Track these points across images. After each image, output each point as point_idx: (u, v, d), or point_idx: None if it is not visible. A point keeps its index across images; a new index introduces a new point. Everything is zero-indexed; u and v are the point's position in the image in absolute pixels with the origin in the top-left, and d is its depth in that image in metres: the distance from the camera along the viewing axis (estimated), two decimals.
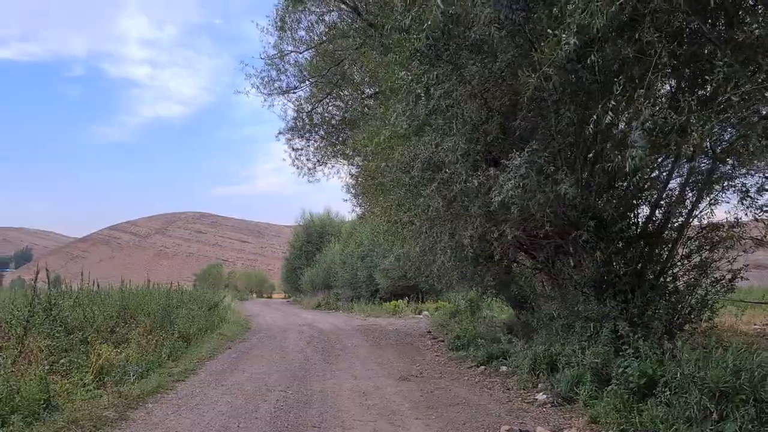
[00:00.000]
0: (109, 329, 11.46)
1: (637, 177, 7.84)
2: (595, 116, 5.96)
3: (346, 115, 18.06)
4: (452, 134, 7.39)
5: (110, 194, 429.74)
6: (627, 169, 5.63)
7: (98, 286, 14.61)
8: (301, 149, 19.45)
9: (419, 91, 7.37)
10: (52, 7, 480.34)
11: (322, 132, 19.24)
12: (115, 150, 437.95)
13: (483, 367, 9.98)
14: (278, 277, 68.81)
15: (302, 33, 16.18)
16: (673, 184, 8.68)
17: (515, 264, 13.32)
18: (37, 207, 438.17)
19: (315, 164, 19.77)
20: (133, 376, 8.95)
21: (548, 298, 10.48)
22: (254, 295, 69.60)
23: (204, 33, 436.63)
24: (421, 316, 24.76)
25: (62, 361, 8.81)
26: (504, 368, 9.52)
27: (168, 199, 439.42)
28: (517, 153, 6.62)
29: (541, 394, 7.54)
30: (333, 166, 19.93)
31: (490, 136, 7.65)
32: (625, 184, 8.60)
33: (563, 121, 7.52)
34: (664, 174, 8.80)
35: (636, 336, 7.59)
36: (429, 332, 17.37)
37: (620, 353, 7.41)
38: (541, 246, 11.44)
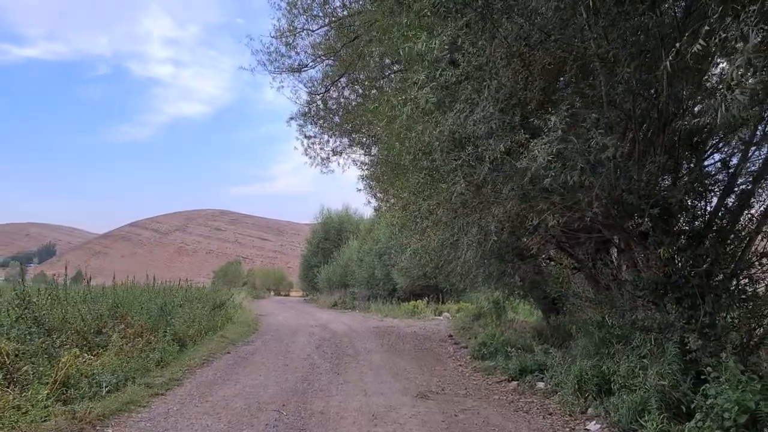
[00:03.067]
0: (94, 330, 10.23)
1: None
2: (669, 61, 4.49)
3: (361, 99, 16.70)
4: (483, 102, 5.96)
5: (132, 191, 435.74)
6: (719, 119, 4.05)
7: (89, 282, 13.39)
8: (315, 137, 18.08)
9: (445, 51, 5.93)
10: (78, 7, 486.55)
11: (337, 118, 17.86)
12: (137, 148, 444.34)
13: (515, 382, 8.51)
14: (296, 275, 67.79)
15: (316, 10, 14.84)
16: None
17: (550, 262, 11.86)
18: (61, 203, 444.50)
19: (329, 154, 18.42)
20: (106, 387, 7.67)
21: (591, 302, 8.98)
22: (272, 293, 68.68)
23: (226, 32, 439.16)
24: (441, 317, 23.37)
25: (25, 368, 7.58)
26: (541, 385, 8.07)
27: (189, 196, 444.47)
28: (553, 111, 5.21)
29: (593, 423, 6.08)
30: (349, 156, 18.58)
31: (531, 104, 6.19)
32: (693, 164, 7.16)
33: (619, 86, 6.09)
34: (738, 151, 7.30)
35: (708, 351, 6.20)
36: (450, 336, 15.97)
37: (691, 373, 6.00)
38: (579, 241, 10.01)
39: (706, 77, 7.12)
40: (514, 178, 6.70)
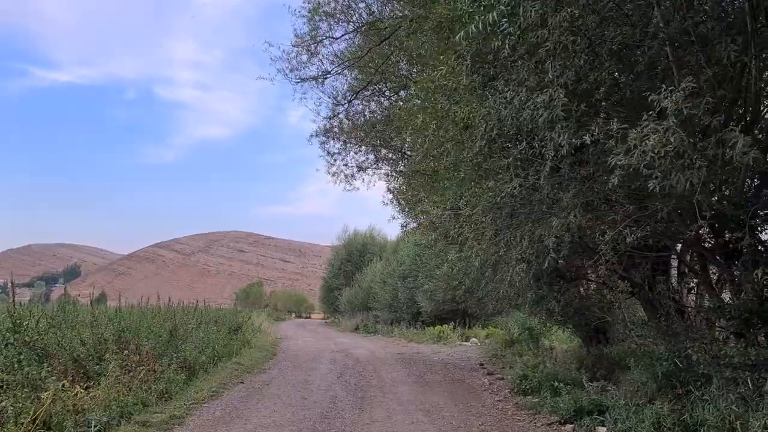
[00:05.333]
0: (95, 357, 9.25)
1: None
2: None
3: (387, 112, 15.79)
4: (545, 86, 4.89)
5: (157, 212, 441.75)
6: None
7: (92, 304, 12.46)
8: (338, 153, 17.20)
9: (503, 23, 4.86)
10: (108, 33, 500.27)
11: (361, 134, 16.93)
12: (163, 170, 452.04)
13: (570, 425, 7.26)
14: (318, 297, 66.95)
15: (339, 15, 13.98)
16: None
17: (599, 285, 10.65)
18: (88, 223, 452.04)
19: (354, 171, 17.49)
20: (95, 427, 6.65)
21: (662, 332, 7.72)
22: (293, 315, 67.80)
23: (250, 56, 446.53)
24: (469, 343, 22.10)
25: (3, 404, 6.58)
26: (602, 430, 6.83)
27: (212, 218, 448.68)
28: (669, 90, 4.12)
29: None
30: (374, 172, 17.61)
31: (602, 88, 5.09)
32: None
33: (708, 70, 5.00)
34: None
35: None
36: (482, 365, 14.72)
37: None
38: (634, 262, 8.85)
39: None
40: (574, 184, 5.63)
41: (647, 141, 4.07)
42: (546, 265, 5.42)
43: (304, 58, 13.42)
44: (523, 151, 5.33)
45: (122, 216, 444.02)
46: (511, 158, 5.35)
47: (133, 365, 9.22)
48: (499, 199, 5.60)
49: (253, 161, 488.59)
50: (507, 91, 5.36)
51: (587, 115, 5.33)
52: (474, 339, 22.81)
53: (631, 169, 4.29)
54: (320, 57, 13.59)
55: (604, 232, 5.10)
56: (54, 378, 7.04)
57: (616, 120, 4.45)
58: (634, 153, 4.18)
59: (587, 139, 4.55)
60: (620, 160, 4.28)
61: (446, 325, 24.95)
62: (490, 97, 5.33)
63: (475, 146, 5.83)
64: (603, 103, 5.34)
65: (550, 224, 5.58)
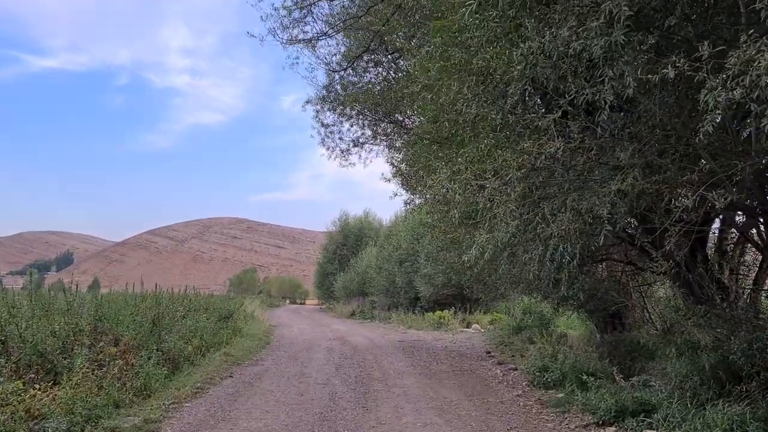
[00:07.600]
0: (66, 351, 8.17)
1: None
2: None
3: (385, 82, 14.66)
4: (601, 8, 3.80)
5: (150, 199, 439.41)
6: None
7: (65, 291, 11.34)
8: (333, 125, 16.11)
9: None
10: (98, 19, 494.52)
11: (357, 105, 15.80)
12: (156, 156, 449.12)
13: (612, 428, 6.25)
14: (312, 282, 66.04)
15: None
16: None
17: (630, 266, 9.63)
18: (80, 211, 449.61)
19: (349, 145, 16.40)
20: None
21: (703, 317, 6.71)
22: (287, 302, 66.90)
23: (243, 43, 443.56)
24: (471, 330, 21.18)
25: None
26: None
27: (205, 205, 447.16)
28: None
29: None
30: (371, 149, 16.51)
31: (673, 15, 4.00)
32: None
33: None
34: None
35: None
36: (489, 353, 13.77)
37: None
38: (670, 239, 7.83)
39: None
40: (630, 140, 4.56)
41: (761, 60, 3.01)
42: (601, 241, 4.38)
43: (297, 14, 12.11)
44: (573, 102, 4.24)
45: (114, 203, 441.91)
46: (558, 113, 4.25)
47: (108, 359, 8.16)
48: (539, 162, 4.52)
49: (246, 148, 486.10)
50: (548, 29, 4.28)
51: (655, 51, 4.24)
52: (476, 325, 21.89)
53: (734, 106, 3.23)
54: (314, 16, 12.35)
55: (678, 197, 4.03)
56: (2, 379, 5.97)
57: (708, 42, 3.37)
58: (740, 82, 3.12)
59: (669, 72, 3.46)
60: (719, 95, 3.21)
61: (446, 311, 23.97)
62: (530, 28, 4.21)
63: (507, 103, 4.75)
64: (676, 38, 4.23)
65: (603, 191, 4.51)
